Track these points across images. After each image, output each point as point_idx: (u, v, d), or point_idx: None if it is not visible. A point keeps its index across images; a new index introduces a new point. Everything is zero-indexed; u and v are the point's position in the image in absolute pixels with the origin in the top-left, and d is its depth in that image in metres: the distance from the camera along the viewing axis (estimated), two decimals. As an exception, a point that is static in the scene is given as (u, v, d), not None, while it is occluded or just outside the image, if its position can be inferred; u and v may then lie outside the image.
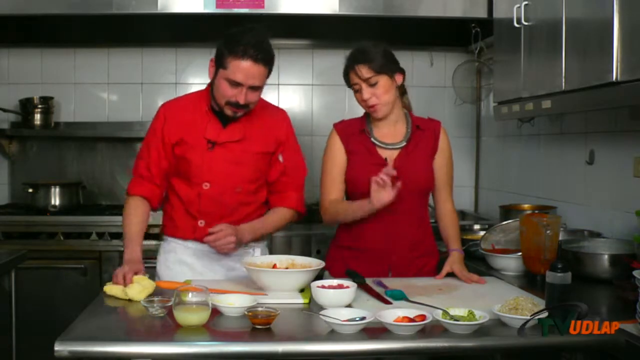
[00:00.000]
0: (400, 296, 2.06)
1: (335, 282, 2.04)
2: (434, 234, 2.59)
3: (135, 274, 2.13)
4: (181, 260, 2.48)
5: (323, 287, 1.98)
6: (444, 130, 2.56)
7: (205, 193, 2.40)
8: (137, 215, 2.42)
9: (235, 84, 2.27)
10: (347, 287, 1.98)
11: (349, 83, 2.47)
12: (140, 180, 2.45)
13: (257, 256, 2.41)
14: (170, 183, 2.48)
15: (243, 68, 2.25)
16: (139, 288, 2.05)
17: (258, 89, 2.33)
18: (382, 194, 2.25)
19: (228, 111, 2.34)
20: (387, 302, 2.02)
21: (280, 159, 2.48)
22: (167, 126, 2.41)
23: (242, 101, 2.30)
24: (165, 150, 2.42)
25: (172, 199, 2.48)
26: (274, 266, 2.19)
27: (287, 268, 2.19)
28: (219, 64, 2.30)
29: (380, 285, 2.21)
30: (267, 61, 2.29)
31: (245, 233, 2.37)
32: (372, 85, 2.39)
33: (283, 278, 2.08)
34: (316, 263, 2.19)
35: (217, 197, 2.40)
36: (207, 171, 2.39)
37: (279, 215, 2.50)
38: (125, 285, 2.07)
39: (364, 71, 2.38)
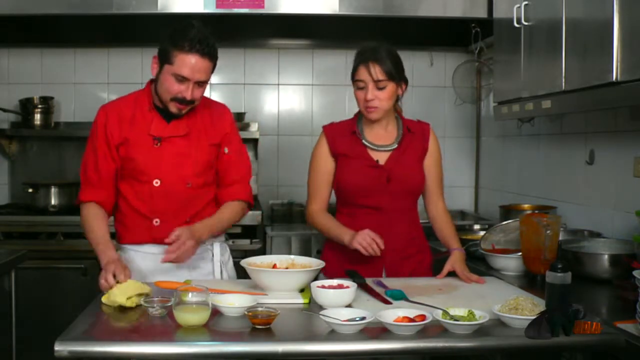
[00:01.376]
0: (400, 296, 2.06)
1: (335, 282, 2.04)
2: (426, 233, 2.60)
3: (114, 280, 2.06)
4: (140, 270, 2.37)
5: (323, 287, 1.98)
6: (433, 133, 2.57)
7: (156, 190, 2.36)
8: (98, 218, 2.36)
9: (182, 79, 2.25)
10: (347, 287, 1.98)
11: (355, 78, 2.43)
12: (91, 186, 2.39)
13: (252, 258, 2.27)
14: (117, 188, 2.43)
15: (189, 62, 2.23)
16: (117, 291, 1.97)
17: (203, 84, 2.31)
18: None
19: (173, 108, 2.32)
20: (387, 302, 2.02)
21: (226, 150, 2.47)
22: (110, 127, 2.37)
23: (188, 97, 2.28)
24: (110, 151, 2.37)
25: (121, 204, 2.42)
26: (274, 266, 2.19)
27: (287, 268, 2.19)
28: (163, 59, 2.27)
29: (380, 285, 2.21)
30: (212, 56, 2.28)
31: (203, 232, 2.33)
32: (380, 88, 2.38)
33: (283, 278, 2.08)
34: (316, 263, 2.19)
35: (169, 193, 2.37)
36: (156, 167, 2.36)
37: (232, 209, 2.46)
38: (109, 287, 2.02)
39: (378, 72, 2.37)
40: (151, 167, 2.36)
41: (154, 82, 2.39)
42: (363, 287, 2.16)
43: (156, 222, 2.38)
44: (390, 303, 2.01)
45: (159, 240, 2.33)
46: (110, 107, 2.44)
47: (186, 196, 2.39)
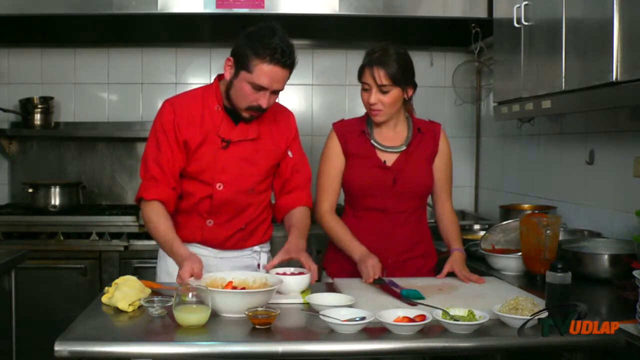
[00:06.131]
0: (416, 296, 2.04)
1: (292, 269, 2.13)
2: (433, 235, 2.60)
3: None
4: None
5: (284, 274, 2.08)
6: (444, 133, 2.56)
7: (218, 194, 2.31)
8: (163, 216, 2.23)
9: (259, 88, 2.17)
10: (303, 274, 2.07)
11: (361, 79, 2.41)
12: (154, 183, 2.26)
13: (226, 271, 2.16)
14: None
15: (269, 72, 2.14)
16: (120, 296, 1.93)
17: (279, 91, 2.24)
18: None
19: (245, 114, 2.25)
20: (411, 304, 1.96)
21: (290, 154, 2.42)
22: (178, 124, 2.27)
23: (264, 105, 2.20)
24: (179, 147, 2.27)
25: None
26: (229, 283, 2.00)
27: (243, 288, 1.98)
28: (240, 65, 2.18)
29: (393, 286, 2.19)
30: (293, 66, 2.20)
31: (304, 244, 2.28)
32: (384, 92, 2.36)
33: (231, 299, 1.87)
34: (274, 281, 2.00)
35: (230, 198, 2.32)
36: (221, 171, 2.30)
37: (307, 216, 2.42)
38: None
39: (382, 76, 2.34)
40: (216, 170, 2.30)
41: (221, 80, 2.30)
42: (383, 288, 2.15)
43: (210, 222, 2.35)
44: (415, 304, 1.94)
45: (209, 242, 2.32)
46: (178, 104, 2.32)
47: (246, 202, 2.36)
